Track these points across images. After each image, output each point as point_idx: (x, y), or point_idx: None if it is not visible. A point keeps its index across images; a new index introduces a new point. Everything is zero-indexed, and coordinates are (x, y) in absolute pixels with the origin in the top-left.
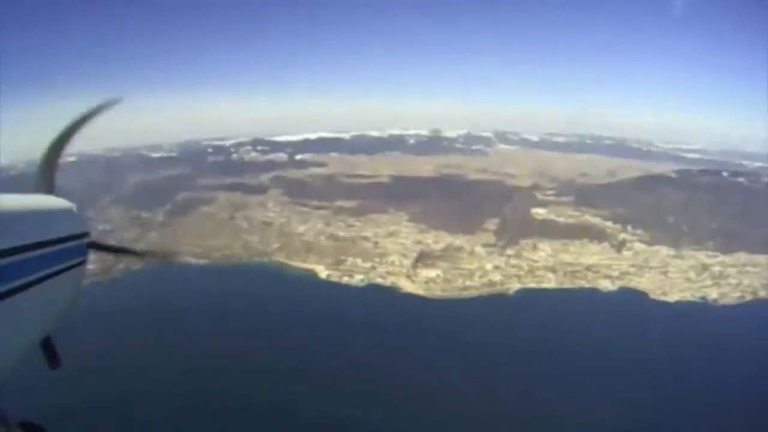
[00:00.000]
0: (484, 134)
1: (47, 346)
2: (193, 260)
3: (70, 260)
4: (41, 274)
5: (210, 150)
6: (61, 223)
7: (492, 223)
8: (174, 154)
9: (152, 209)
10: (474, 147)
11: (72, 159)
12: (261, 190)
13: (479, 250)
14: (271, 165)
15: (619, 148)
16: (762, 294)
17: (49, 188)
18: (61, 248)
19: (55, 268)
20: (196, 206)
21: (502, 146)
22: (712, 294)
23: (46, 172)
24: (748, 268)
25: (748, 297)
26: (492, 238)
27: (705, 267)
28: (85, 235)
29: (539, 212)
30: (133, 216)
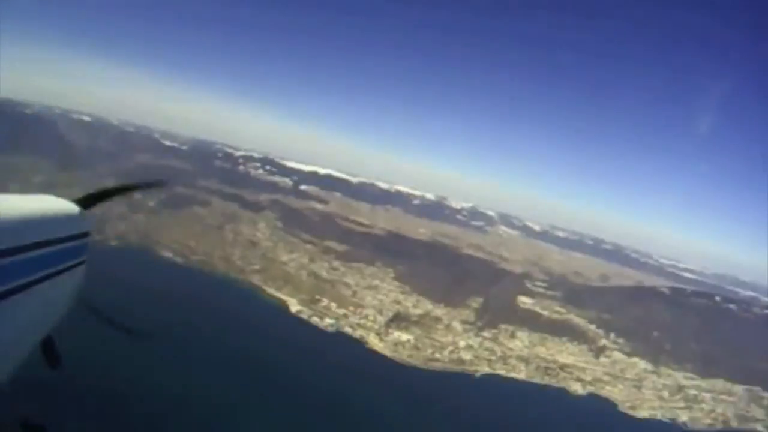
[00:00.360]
0: (488, 213)
1: (48, 346)
2: (169, 255)
3: (70, 260)
4: (42, 274)
5: (219, 155)
6: (62, 223)
7: (475, 301)
8: (184, 148)
9: (146, 193)
10: (475, 222)
11: (87, 119)
12: (257, 208)
13: (456, 325)
14: (273, 187)
15: (616, 255)
16: (734, 424)
17: (85, 206)
18: (62, 248)
19: (56, 268)
20: (189, 204)
21: (503, 228)
22: (683, 417)
23: (92, 201)
24: (723, 396)
25: (719, 425)
26: (472, 316)
27: (680, 388)
28: (86, 235)
29: (525, 301)
30: None
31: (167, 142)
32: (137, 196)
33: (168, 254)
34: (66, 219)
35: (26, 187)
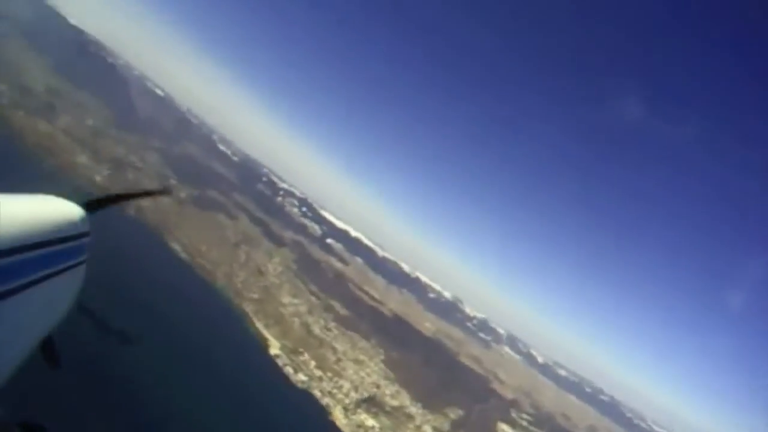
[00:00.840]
0: (498, 329)
1: (47, 347)
2: (177, 247)
3: (70, 260)
4: (42, 274)
5: (264, 179)
6: (62, 224)
7: (455, 412)
8: (234, 158)
9: (182, 182)
10: (482, 334)
11: (159, 92)
12: (279, 242)
13: (427, 429)
14: (302, 229)
15: (611, 409)
16: None
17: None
18: (62, 248)
19: (56, 268)
20: (216, 211)
21: (507, 349)
22: None
23: (98, 205)
24: None
25: None
26: (446, 426)
27: None
28: (86, 235)
29: (504, 429)
30: (164, 174)
31: (221, 146)
32: (173, 180)
33: (176, 246)
34: (67, 219)
35: (76, 125)
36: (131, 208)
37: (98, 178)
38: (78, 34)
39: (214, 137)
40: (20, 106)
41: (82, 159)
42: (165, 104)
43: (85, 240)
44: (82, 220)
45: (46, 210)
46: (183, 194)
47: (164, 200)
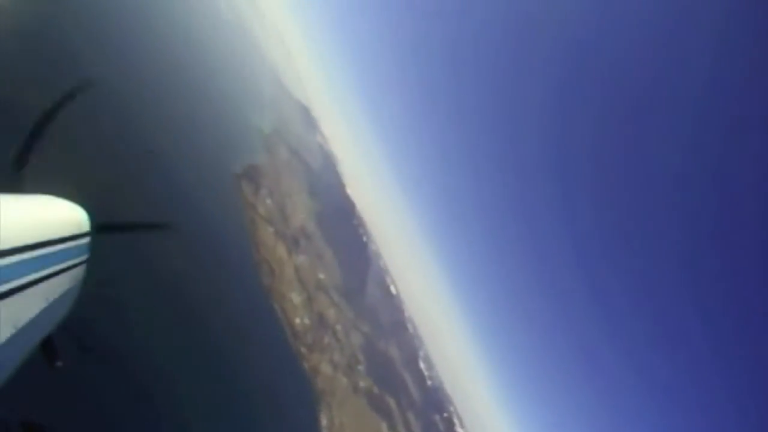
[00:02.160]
0: None
1: (48, 346)
2: (324, 423)
3: (71, 260)
4: (42, 273)
5: (445, 414)
6: (62, 223)
7: None
8: (429, 383)
9: (368, 375)
10: None
11: (393, 291)
12: (386, 412)
13: None
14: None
15: None
16: None
17: (19, 165)
18: (62, 248)
19: (56, 268)
20: (383, 417)
21: None
22: None
23: (24, 151)
24: None
25: None
26: None
27: None
28: (86, 235)
29: None
30: (356, 357)
31: (422, 364)
32: (359, 367)
33: (324, 422)
34: (67, 219)
35: (307, 269)
36: (309, 361)
37: (297, 321)
38: (349, 203)
39: (420, 353)
40: (273, 225)
41: (295, 298)
42: (392, 303)
43: (86, 240)
44: (83, 220)
45: (47, 210)
46: (363, 384)
47: (342, 379)
